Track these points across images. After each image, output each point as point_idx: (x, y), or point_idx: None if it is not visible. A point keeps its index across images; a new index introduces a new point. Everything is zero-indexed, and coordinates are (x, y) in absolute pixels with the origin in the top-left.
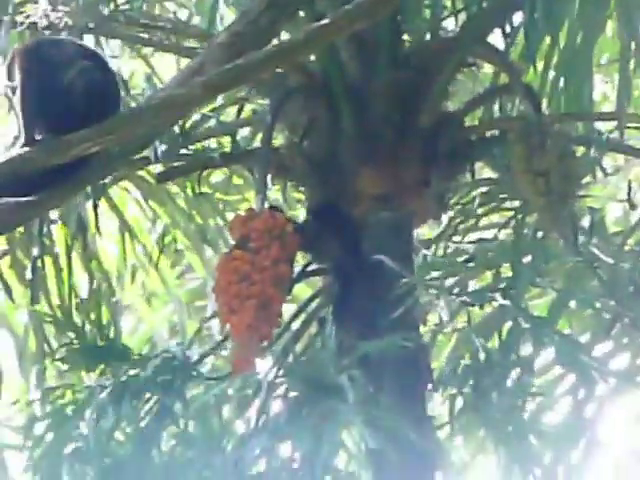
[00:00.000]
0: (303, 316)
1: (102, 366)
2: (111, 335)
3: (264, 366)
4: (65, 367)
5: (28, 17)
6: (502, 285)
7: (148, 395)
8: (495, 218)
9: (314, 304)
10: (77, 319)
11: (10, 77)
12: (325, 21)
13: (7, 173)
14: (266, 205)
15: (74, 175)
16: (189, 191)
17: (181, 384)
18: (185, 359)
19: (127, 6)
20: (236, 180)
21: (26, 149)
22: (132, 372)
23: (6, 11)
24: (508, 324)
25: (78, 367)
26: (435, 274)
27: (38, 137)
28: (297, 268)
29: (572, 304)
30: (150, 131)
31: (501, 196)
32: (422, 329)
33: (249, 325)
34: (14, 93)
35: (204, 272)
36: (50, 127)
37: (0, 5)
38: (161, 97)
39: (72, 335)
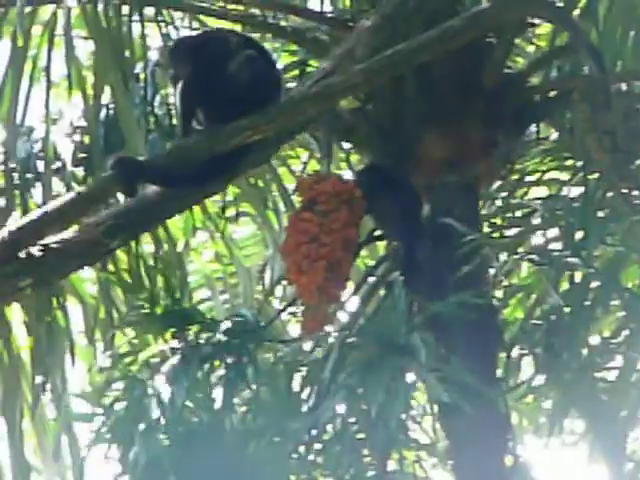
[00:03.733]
0: (372, 279)
1: (172, 330)
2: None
3: (336, 327)
4: (134, 332)
5: None
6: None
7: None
8: (558, 175)
9: (382, 267)
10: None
11: (173, 67)
12: (484, 5)
13: (173, 161)
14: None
15: (234, 163)
16: None
17: (254, 347)
18: (256, 322)
19: None
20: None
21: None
22: (203, 336)
23: None
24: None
25: (148, 331)
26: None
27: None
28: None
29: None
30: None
31: (564, 155)
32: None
33: (319, 286)
34: (175, 84)
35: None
36: (212, 116)
37: None
38: (320, 86)
39: (141, 300)
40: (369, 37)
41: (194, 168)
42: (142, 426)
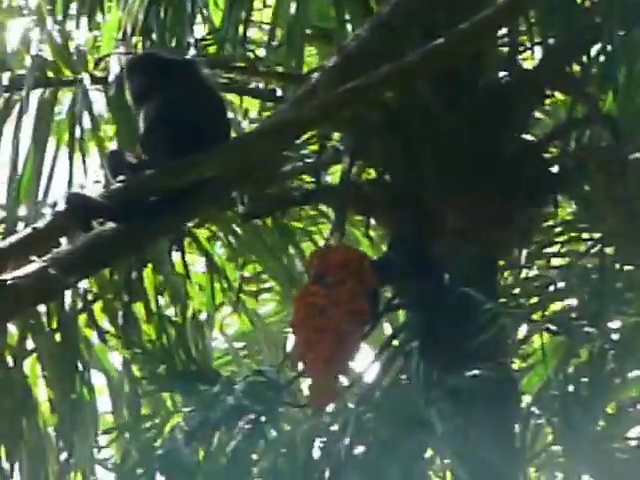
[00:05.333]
0: (388, 351)
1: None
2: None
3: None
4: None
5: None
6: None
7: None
8: (576, 247)
9: (398, 339)
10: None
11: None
12: (440, 41)
13: (127, 196)
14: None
15: (190, 203)
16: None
17: (273, 407)
18: (277, 382)
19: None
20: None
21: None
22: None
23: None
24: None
25: (165, 389)
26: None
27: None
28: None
29: None
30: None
31: (581, 225)
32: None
33: (326, 360)
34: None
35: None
36: (168, 152)
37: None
38: (276, 120)
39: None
40: (332, 76)
41: (148, 204)
42: None
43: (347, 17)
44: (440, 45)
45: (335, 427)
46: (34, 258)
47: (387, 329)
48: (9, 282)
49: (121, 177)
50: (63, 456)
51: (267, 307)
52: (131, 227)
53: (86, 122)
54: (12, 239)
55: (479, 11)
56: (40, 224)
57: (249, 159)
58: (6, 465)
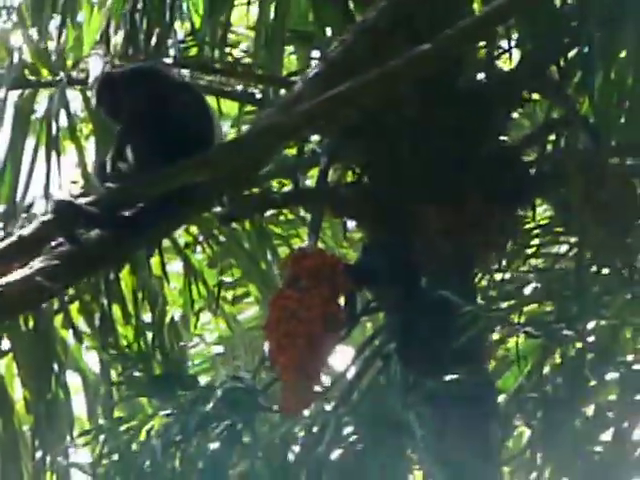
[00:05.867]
0: (366, 353)
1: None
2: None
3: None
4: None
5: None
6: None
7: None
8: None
9: (377, 341)
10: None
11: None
12: (425, 46)
13: (114, 203)
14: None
15: (178, 209)
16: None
17: (250, 413)
18: (254, 387)
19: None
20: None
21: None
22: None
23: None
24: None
25: (142, 394)
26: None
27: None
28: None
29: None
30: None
31: (557, 229)
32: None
33: (297, 364)
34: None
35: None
36: (143, 157)
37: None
38: (261, 126)
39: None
40: (316, 82)
41: (137, 211)
42: None
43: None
44: (427, 50)
45: (313, 430)
46: (19, 266)
47: (369, 330)
48: None
49: (109, 184)
50: (38, 456)
51: (248, 312)
52: (118, 235)
53: (63, 122)
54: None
55: (457, 19)
56: (25, 232)
57: (235, 164)
58: None
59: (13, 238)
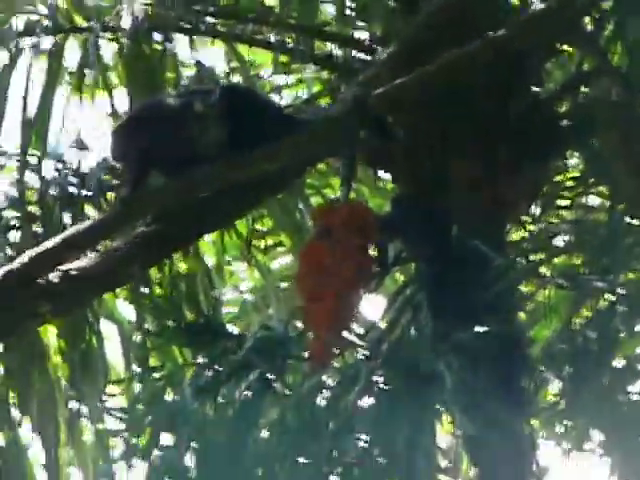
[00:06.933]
0: (398, 303)
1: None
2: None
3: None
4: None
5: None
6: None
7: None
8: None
9: (409, 290)
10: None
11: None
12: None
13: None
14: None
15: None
16: None
17: (281, 362)
18: (286, 335)
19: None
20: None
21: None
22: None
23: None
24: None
25: (174, 343)
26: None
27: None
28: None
29: None
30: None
31: (591, 180)
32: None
33: (327, 315)
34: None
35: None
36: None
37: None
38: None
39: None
40: (393, 62)
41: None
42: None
43: None
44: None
45: (344, 379)
46: (98, 248)
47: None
48: (72, 273)
49: None
50: (73, 405)
51: (281, 261)
52: (184, 220)
53: (95, 69)
54: (74, 230)
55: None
56: (106, 216)
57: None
58: (16, 414)
59: (89, 222)
